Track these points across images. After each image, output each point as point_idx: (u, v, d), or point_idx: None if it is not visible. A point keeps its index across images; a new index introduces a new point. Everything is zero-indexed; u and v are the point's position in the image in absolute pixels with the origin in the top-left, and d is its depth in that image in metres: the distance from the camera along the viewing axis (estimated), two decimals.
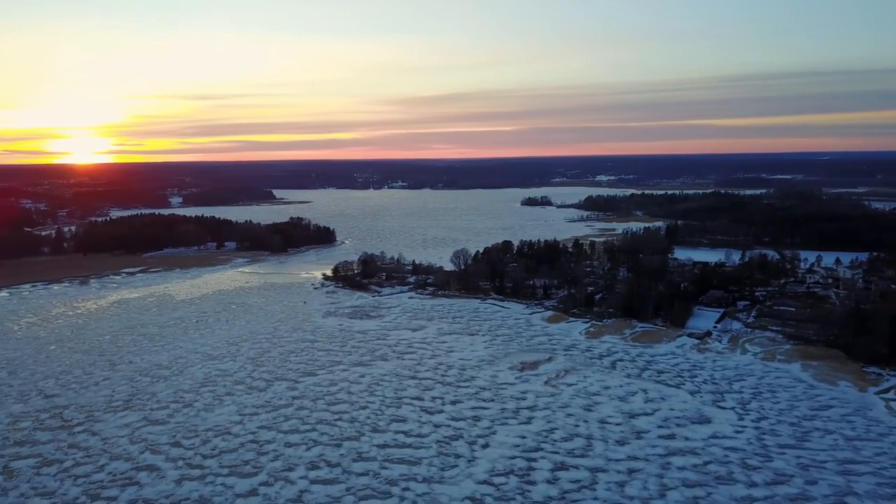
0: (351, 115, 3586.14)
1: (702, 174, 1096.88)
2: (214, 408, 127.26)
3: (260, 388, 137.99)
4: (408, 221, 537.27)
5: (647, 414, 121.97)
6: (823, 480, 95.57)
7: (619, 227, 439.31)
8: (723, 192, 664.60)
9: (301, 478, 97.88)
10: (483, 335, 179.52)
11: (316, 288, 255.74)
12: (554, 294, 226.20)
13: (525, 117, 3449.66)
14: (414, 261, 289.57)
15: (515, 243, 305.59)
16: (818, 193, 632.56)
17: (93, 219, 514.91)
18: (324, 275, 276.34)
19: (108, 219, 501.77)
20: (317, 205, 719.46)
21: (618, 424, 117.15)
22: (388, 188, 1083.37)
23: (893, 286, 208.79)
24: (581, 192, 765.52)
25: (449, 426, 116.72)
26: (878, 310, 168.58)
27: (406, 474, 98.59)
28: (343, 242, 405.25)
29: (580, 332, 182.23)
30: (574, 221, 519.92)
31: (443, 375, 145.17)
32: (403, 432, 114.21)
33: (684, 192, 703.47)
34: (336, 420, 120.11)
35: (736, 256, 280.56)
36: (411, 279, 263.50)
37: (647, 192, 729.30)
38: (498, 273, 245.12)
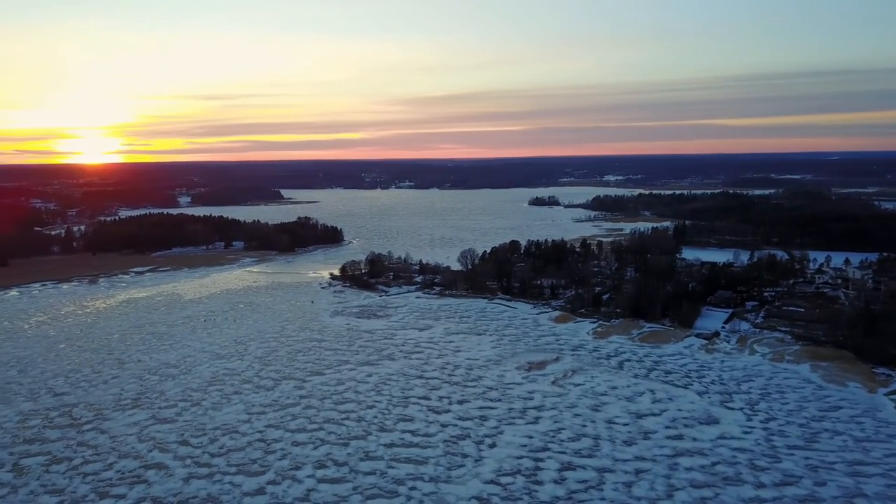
0: (358, 115, 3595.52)
1: (710, 174, 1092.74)
2: (222, 406, 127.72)
3: (267, 387, 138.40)
4: (415, 221, 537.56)
5: (654, 414, 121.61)
6: (832, 482, 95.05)
7: (627, 227, 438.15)
8: (731, 192, 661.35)
9: (308, 476, 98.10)
10: (490, 335, 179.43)
11: (323, 287, 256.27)
12: (561, 294, 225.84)
13: (533, 117, 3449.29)
14: (421, 260, 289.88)
15: (523, 243, 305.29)
16: (827, 193, 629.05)
17: (102, 218, 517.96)
18: (331, 274, 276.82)
19: (117, 218, 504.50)
20: (324, 204, 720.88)
21: (625, 425, 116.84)
22: (396, 188, 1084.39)
23: None
24: (589, 192, 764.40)
25: (456, 426, 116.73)
26: (887, 310, 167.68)
27: (413, 474, 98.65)
28: (350, 242, 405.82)
29: (587, 333, 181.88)
30: (582, 221, 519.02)
31: (450, 375, 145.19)
32: (410, 432, 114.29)
33: (692, 192, 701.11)
34: (343, 419, 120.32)
35: (744, 257, 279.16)
36: (418, 279, 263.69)
37: (655, 192, 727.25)
38: (505, 273, 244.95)
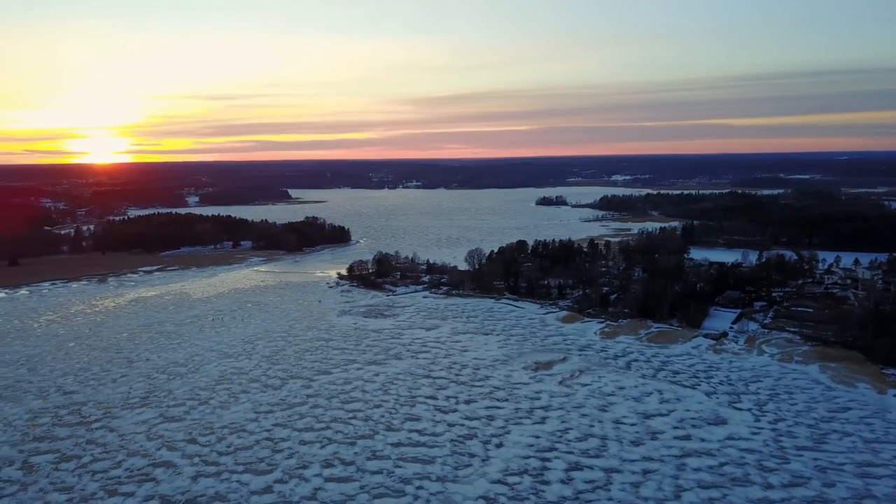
0: (366, 115, 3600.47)
1: (718, 174, 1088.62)
2: (230, 405, 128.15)
3: (275, 387, 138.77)
4: (422, 221, 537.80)
5: (662, 415, 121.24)
6: (841, 483, 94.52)
7: (635, 226, 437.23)
8: (740, 192, 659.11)
9: (315, 475, 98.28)
10: (497, 335, 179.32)
11: (331, 287, 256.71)
12: (569, 294, 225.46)
13: (540, 117, 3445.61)
14: (428, 260, 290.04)
15: (530, 243, 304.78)
16: (836, 193, 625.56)
17: (111, 218, 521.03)
18: (339, 274, 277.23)
19: (125, 218, 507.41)
20: (332, 204, 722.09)
21: (633, 425, 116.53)
22: (403, 188, 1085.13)
23: None
24: (596, 192, 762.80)
25: (463, 425, 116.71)
26: None
27: (420, 473, 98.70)
28: (358, 242, 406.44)
29: (595, 333, 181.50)
30: (589, 221, 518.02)
31: (457, 375, 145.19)
32: (417, 431, 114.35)
33: (700, 192, 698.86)
34: (350, 418, 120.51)
35: (753, 257, 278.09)
36: (425, 278, 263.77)
37: (662, 191, 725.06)
38: (512, 273, 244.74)
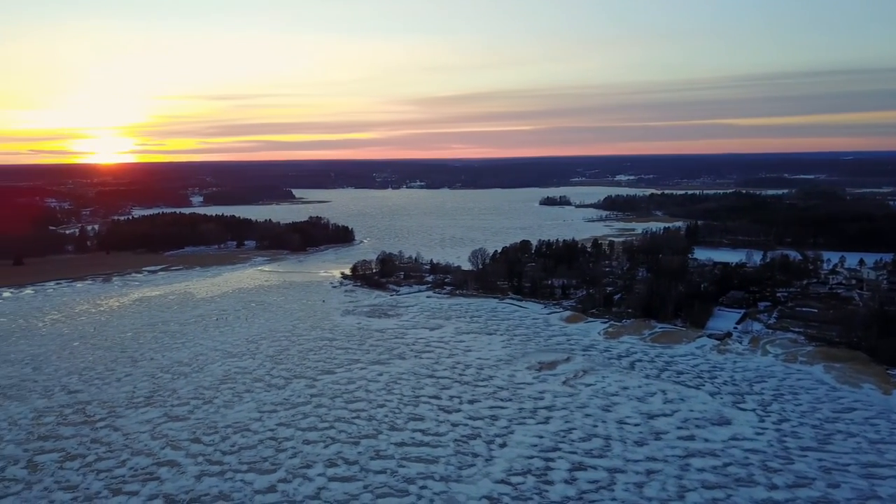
0: (369, 115, 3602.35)
1: (722, 174, 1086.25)
2: (234, 405, 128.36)
3: (279, 386, 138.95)
4: (426, 221, 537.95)
5: (665, 415, 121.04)
6: (846, 484, 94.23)
7: (639, 227, 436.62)
8: (744, 192, 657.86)
9: (319, 475, 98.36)
10: (501, 335, 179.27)
11: (334, 287, 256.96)
12: (572, 294, 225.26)
13: (543, 117, 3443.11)
14: (432, 260, 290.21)
15: (534, 243, 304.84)
16: (841, 193, 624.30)
17: (115, 217, 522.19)
18: (342, 274, 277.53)
19: (130, 217, 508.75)
20: (335, 204, 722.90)
21: (636, 425, 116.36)
22: (407, 188, 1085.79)
23: None
24: (600, 192, 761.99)
25: (466, 425, 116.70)
26: None
27: (423, 473, 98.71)
28: (361, 241, 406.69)
29: (599, 333, 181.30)
30: (593, 221, 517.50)
31: (460, 374, 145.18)
32: (421, 431, 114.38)
33: (705, 192, 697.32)
34: (354, 418, 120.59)
35: (757, 257, 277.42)
36: (429, 278, 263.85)
37: (666, 191, 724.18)
38: (516, 273, 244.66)
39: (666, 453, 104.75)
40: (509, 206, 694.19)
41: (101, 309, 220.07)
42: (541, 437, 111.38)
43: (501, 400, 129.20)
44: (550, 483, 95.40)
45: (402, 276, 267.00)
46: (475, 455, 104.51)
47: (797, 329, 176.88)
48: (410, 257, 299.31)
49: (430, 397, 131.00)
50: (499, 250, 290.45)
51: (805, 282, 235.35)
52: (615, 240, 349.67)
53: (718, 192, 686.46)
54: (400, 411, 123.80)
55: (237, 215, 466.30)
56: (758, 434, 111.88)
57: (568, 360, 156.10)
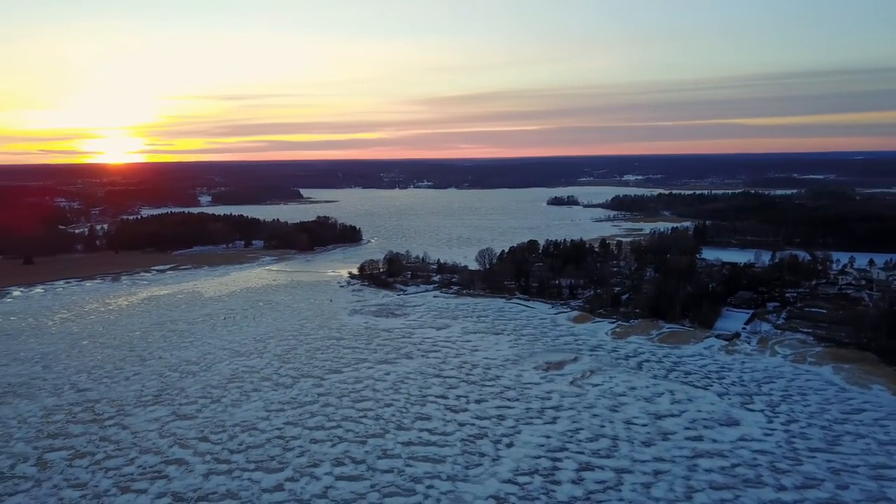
0: (377, 115, 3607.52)
1: (731, 174, 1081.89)
2: (241, 404, 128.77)
3: (286, 385, 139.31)
4: (433, 221, 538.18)
5: (673, 415, 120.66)
6: (855, 485, 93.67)
7: (647, 226, 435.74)
8: (753, 192, 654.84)
9: (326, 474, 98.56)
10: (508, 334, 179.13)
11: (342, 286, 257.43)
12: (580, 294, 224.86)
13: (550, 117, 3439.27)
14: (439, 260, 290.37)
15: (541, 243, 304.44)
16: (851, 193, 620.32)
17: (124, 217, 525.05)
18: (350, 273, 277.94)
19: (139, 217, 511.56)
20: (343, 204, 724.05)
21: (644, 425, 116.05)
22: (414, 188, 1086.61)
23: None
24: (608, 192, 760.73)
25: (473, 425, 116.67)
26: None
27: (430, 472, 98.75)
28: (369, 241, 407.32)
29: (606, 333, 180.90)
30: (601, 221, 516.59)
31: (467, 374, 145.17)
32: (428, 430, 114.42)
33: (713, 192, 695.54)
34: (361, 417, 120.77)
35: (766, 257, 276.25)
36: (436, 278, 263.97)
37: (674, 191, 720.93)
38: (523, 272, 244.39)
39: (674, 454, 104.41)
40: (517, 205, 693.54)
41: (110, 308, 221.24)
42: (548, 437, 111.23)
43: (508, 400, 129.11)
44: (557, 483, 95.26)
45: (409, 276, 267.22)
46: (482, 455, 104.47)
47: (806, 330, 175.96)
48: (417, 257, 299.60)
49: (437, 397, 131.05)
50: (506, 250, 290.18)
51: (814, 282, 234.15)
52: (623, 240, 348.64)
53: (727, 192, 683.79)
54: (407, 410, 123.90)
55: (245, 215, 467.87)
56: (766, 435, 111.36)
57: (575, 360, 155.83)
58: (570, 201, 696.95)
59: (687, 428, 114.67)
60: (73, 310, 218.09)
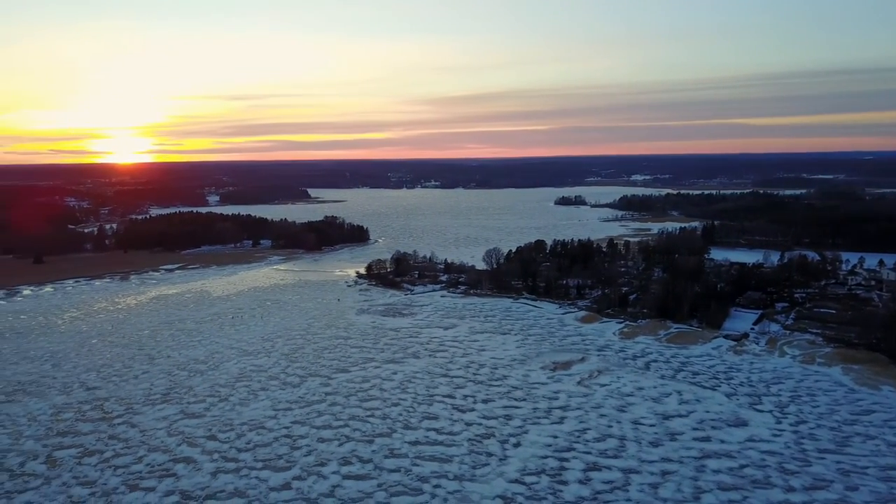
0: (384, 115, 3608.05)
1: (740, 174, 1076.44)
2: (249, 402, 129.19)
3: (294, 384, 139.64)
4: (440, 220, 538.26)
5: (681, 416, 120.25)
6: (865, 486, 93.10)
7: (655, 227, 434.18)
8: (761, 192, 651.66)
9: (333, 473, 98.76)
10: (515, 334, 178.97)
11: (349, 286, 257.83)
12: (587, 294, 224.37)
13: (558, 116, 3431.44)
14: (446, 259, 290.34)
15: (548, 243, 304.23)
16: (861, 193, 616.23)
17: (133, 216, 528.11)
18: (357, 273, 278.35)
19: (147, 217, 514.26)
20: (351, 204, 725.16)
21: (651, 426, 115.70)
22: (421, 187, 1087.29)
23: None
24: (616, 192, 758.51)
25: (480, 424, 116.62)
26: None
27: (437, 472, 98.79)
28: (376, 241, 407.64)
29: (614, 333, 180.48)
30: (608, 221, 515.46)
31: (474, 374, 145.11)
32: (435, 430, 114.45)
33: (721, 192, 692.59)
34: (368, 416, 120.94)
35: (774, 257, 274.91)
36: (443, 278, 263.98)
37: (683, 191, 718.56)
38: (530, 272, 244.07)
39: (681, 454, 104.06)
40: (524, 205, 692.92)
41: (119, 307, 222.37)
42: (555, 436, 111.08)
43: (516, 399, 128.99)
44: (565, 483, 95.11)
45: (416, 276, 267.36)
46: (489, 454, 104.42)
47: (815, 330, 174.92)
48: (425, 257, 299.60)
49: (445, 396, 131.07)
50: (513, 250, 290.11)
51: (823, 282, 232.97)
52: (631, 240, 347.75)
53: (735, 192, 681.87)
54: (414, 410, 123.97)
55: (253, 214, 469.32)
56: (775, 436, 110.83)
57: (583, 360, 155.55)
58: (578, 201, 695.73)
59: (695, 428, 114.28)
60: (83, 309, 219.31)
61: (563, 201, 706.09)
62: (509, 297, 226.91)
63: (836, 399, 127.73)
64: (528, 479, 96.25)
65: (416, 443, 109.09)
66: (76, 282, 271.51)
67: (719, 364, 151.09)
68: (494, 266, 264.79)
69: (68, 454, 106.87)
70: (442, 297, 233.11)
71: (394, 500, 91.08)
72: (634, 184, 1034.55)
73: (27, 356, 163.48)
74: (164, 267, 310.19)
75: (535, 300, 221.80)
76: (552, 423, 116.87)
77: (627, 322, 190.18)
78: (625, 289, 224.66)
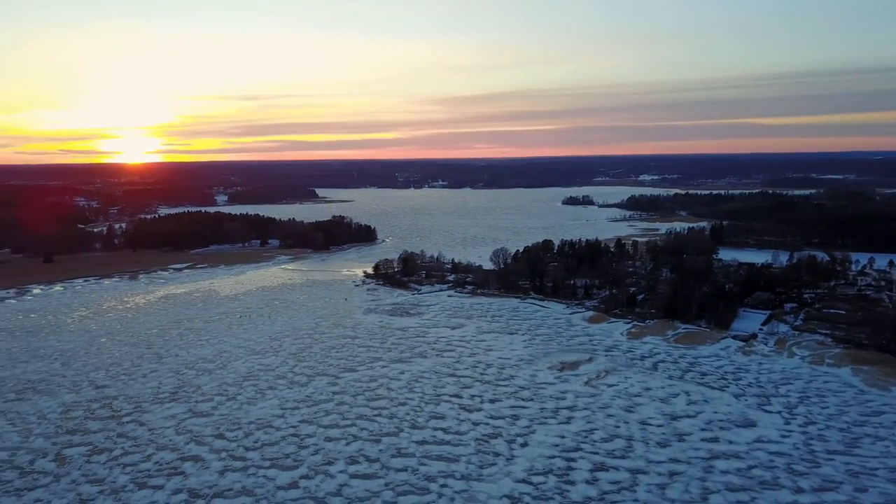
0: (392, 115, 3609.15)
1: (748, 174, 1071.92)
2: (257, 401, 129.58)
3: (301, 383, 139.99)
4: (448, 220, 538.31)
5: (689, 416, 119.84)
6: (874, 488, 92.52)
7: (663, 226, 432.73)
8: (770, 192, 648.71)
9: (340, 472, 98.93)
10: (522, 334, 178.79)
11: (357, 285, 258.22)
12: (595, 294, 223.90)
13: (565, 116, 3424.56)
14: (453, 259, 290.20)
15: (556, 242, 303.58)
16: (871, 193, 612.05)
17: (142, 216, 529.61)
18: (365, 272, 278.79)
19: (156, 216, 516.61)
20: (358, 203, 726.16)
21: (659, 426, 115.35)
22: (429, 187, 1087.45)
23: None
24: (624, 192, 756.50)
25: (488, 424, 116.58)
26: None
27: (444, 471, 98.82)
28: (384, 241, 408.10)
29: (621, 333, 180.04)
30: (616, 221, 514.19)
31: (482, 374, 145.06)
32: (442, 429, 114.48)
33: (730, 192, 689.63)
34: (375, 416, 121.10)
35: (783, 258, 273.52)
36: (451, 277, 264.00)
37: (691, 191, 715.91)
38: (538, 272, 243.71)
39: (689, 455, 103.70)
40: (531, 205, 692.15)
41: (128, 306, 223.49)
42: (562, 437, 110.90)
43: (523, 399, 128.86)
44: (572, 483, 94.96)
45: (423, 275, 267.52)
46: (496, 454, 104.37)
47: (824, 331, 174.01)
48: (432, 256, 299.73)
49: (452, 396, 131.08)
50: (521, 250, 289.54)
51: (833, 283, 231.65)
52: (639, 240, 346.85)
53: (744, 192, 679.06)
54: (421, 409, 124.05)
55: (261, 214, 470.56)
56: (783, 437, 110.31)
57: (590, 360, 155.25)
58: (586, 201, 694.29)
59: (703, 429, 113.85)
60: (92, 307, 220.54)
61: (571, 201, 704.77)
62: (516, 297, 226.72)
63: (845, 400, 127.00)
64: (536, 479, 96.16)
65: (423, 442, 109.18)
66: (85, 281, 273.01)
67: (728, 364, 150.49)
68: (502, 266, 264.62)
69: (77, 452, 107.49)
70: (449, 296, 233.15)
71: (401, 499, 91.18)
72: (642, 184, 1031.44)
73: (37, 354, 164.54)
74: (173, 266, 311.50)
75: (543, 300, 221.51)
76: (559, 424, 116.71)
77: (635, 322, 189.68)
78: (633, 289, 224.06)
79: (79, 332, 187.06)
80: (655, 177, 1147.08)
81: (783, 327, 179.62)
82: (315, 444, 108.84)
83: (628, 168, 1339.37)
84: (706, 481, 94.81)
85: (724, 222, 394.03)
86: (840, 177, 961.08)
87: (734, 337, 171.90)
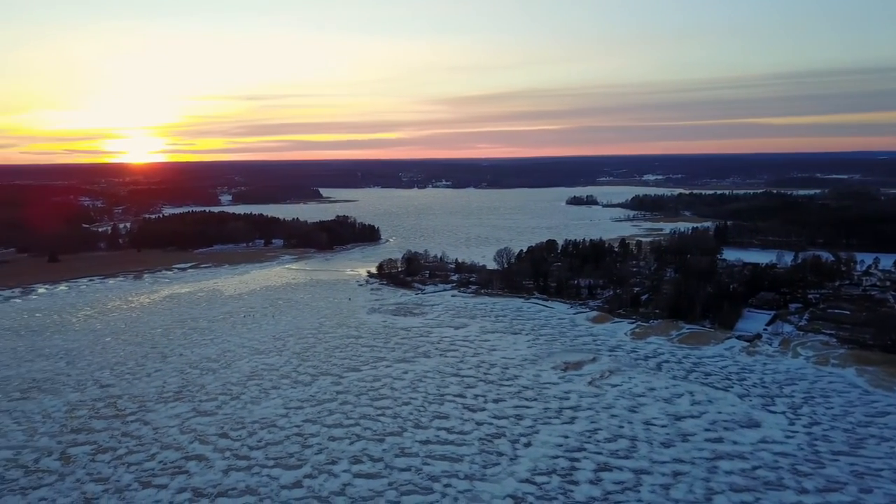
0: (396, 115, 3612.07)
1: (753, 174, 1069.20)
2: (261, 401, 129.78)
3: (305, 383, 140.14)
4: (451, 220, 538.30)
5: (693, 416, 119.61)
6: (879, 489, 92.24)
7: (667, 227, 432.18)
8: (775, 192, 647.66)
9: (344, 471, 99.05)
10: (526, 334, 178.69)
11: (360, 285, 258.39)
12: (599, 294, 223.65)
13: (570, 116, 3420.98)
14: (457, 259, 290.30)
15: (560, 242, 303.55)
16: (875, 193, 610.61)
17: (146, 216, 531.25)
18: (368, 272, 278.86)
19: (160, 216, 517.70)
20: (362, 203, 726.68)
21: (663, 426, 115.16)
22: (433, 187, 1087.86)
23: None
24: (628, 192, 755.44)
25: (491, 424, 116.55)
26: None
27: (448, 471, 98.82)
28: (387, 240, 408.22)
29: (625, 333, 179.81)
30: (620, 221, 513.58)
31: (485, 373, 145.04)
32: (446, 429, 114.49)
33: (734, 191, 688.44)
34: (379, 415, 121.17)
35: (788, 258, 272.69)
36: (454, 277, 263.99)
37: (695, 191, 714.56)
38: (542, 272, 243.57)
39: (693, 455, 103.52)
40: (535, 205, 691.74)
41: (133, 305, 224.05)
42: (566, 437, 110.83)
43: (526, 399, 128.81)
44: (575, 483, 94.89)
45: (427, 275, 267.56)
46: (500, 454, 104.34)
47: (829, 331, 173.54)
48: (436, 256, 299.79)
49: (455, 396, 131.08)
50: (524, 250, 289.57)
51: (837, 283, 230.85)
52: (643, 240, 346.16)
53: (748, 192, 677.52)
54: (425, 409, 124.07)
55: (265, 214, 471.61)
56: (788, 437, 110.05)
57: (594, 360, 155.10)
58: (590, 201, 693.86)
59: (707, 429, 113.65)
60: (97, 307, 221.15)
61: (575, 201, 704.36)
62: (520, 297, 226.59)
63: (850, 401, 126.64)
64: (539, 479, 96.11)
65: (426, 442, 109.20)
66: (90, 280, 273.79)
67: (732, 365, 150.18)
68: (505, 266, 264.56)
69: (82, 451, 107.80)
70: (453, 296, 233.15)
71: (404, 498, 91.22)
72: (646, 184, 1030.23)
73: (42, 353, 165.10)
74: (177, 266, 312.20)
75: (547, 300, 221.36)
76: (563, 424, 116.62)
77: (639, 322, 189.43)
78: (636, 289, 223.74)
79: (83, 332, 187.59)
80: (659, 177, 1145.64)
81: (788, 327, 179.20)
82: (319, 444, 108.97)
83: (632, 168, 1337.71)
84: (710, 482, 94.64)
85: (729, 222, 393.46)
86: (845, 177, 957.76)
87: (738, 337, 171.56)
